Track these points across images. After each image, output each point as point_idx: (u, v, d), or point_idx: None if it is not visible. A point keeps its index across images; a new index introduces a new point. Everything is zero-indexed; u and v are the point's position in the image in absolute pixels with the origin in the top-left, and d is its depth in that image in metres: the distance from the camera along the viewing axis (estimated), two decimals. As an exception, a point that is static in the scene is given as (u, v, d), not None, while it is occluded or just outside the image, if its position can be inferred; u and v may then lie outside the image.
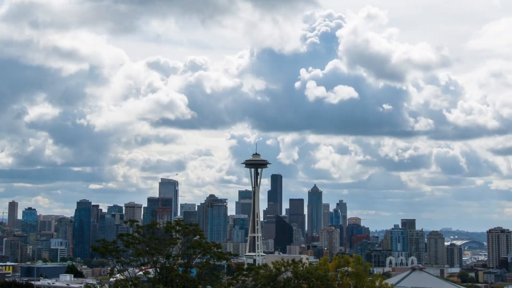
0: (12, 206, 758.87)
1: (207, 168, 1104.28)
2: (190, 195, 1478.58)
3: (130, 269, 79.44)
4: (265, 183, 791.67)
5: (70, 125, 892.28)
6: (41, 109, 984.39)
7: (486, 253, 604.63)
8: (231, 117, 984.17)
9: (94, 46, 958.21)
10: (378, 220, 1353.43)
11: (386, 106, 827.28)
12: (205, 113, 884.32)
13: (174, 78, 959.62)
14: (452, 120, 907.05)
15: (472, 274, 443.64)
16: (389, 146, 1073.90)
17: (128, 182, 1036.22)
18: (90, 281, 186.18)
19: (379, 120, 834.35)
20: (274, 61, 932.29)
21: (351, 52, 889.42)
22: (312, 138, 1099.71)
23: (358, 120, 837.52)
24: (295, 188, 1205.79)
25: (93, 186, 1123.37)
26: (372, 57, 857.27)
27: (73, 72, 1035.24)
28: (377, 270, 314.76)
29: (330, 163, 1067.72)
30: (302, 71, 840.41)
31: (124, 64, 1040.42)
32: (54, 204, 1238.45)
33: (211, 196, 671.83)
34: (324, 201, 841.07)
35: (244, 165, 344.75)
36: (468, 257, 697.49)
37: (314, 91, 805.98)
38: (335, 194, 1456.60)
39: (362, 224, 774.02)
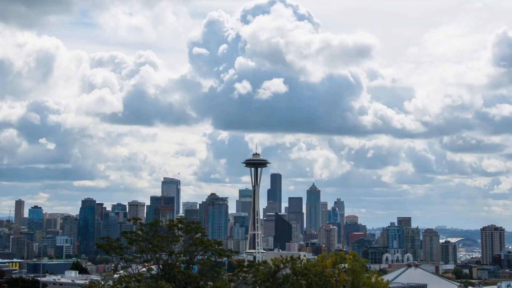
0: (19, 205, 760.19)
1: (189, 167, 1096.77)
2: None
3: (134, 266, 79.67)
4: (249, 181, 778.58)
5: (35, 122, 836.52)
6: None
7: (480, 250, 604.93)
8: (196, 114, 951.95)
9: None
10: (366, 218, 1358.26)
11: (339, 106, 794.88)
12: (166, 110, 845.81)
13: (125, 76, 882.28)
14: (400, 118, 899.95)
15: (466, 271, 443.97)
16: (353, 144, 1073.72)
17: (112, 180, 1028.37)
18: (95, 277, 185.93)
19: (333, 118, 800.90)
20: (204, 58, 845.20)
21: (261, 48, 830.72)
22: (280, 137, 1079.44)
23: (318, 118, 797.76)
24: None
25: (77, 183, 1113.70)
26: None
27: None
28: (374, 267, 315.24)
29: (306, 162, 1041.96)
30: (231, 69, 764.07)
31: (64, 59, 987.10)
32: (54, 202, 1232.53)
33: (212, 194, 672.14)
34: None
35: (244, 164, 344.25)
36: (462, 254, 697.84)
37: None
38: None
39: (359, 222, 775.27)
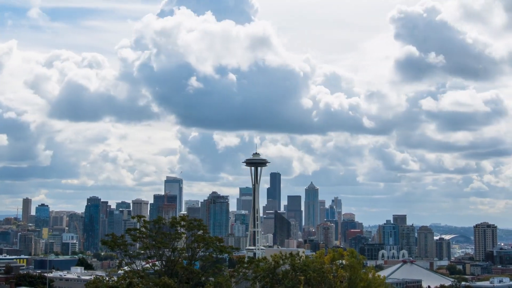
0: (26, 203, 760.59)
1: (168, 164, 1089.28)
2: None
3: (138, 262, 79.65)
4: (233, 177, 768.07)
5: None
6: None
7: (473, 247, 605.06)
8: (158, 112, 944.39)
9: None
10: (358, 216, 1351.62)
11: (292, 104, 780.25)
12: (130, 108, 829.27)
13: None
14: (352, 116, 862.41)
15: (460, 267, 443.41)
16: (317, 142, 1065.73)
17: (98, 178, 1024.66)
18: (100, 273, 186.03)
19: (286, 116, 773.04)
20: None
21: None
22: (246, 134, 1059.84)
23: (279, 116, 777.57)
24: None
25: (64, 181, 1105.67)
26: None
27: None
28: (370, 263, 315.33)
29: (277, 160, 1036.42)
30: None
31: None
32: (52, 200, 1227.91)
33: (214, 193, 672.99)
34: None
35: (245, 163, 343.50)
36: (456, 251, 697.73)
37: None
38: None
39: (356, 220, 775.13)
